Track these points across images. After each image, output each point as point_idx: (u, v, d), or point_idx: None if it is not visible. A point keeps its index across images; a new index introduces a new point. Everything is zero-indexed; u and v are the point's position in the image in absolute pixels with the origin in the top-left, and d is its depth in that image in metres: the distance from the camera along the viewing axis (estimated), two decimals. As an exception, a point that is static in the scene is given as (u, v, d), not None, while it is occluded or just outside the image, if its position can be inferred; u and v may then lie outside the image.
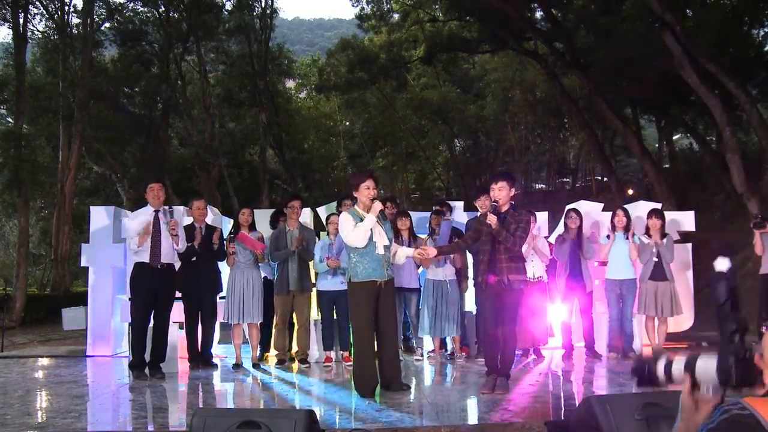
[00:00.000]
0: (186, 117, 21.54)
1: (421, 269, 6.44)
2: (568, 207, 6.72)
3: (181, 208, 6.92)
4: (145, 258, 5.46)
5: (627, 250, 6.33)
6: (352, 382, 4.68)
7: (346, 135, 29.94)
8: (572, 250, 6.37)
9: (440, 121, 26.19)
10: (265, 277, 6.24)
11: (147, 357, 5.56)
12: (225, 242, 6.07)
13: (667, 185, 14.98)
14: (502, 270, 4.52)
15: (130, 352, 5.87)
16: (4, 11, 16.43)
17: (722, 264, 1.33)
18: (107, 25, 20.31)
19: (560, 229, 6.75)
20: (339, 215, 6.31)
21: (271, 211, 6.90)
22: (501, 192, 4.57)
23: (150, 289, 5.50)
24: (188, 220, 6.35)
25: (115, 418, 4.29)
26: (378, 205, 4.54)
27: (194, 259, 5.95)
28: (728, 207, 14.46)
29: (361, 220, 4.54)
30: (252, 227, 6.22)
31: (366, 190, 4.60)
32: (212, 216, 6.70)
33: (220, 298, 6.25)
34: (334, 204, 6.94)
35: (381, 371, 4.64)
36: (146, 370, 5.50)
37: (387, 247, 4.63)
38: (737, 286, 1.31)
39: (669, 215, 6.93)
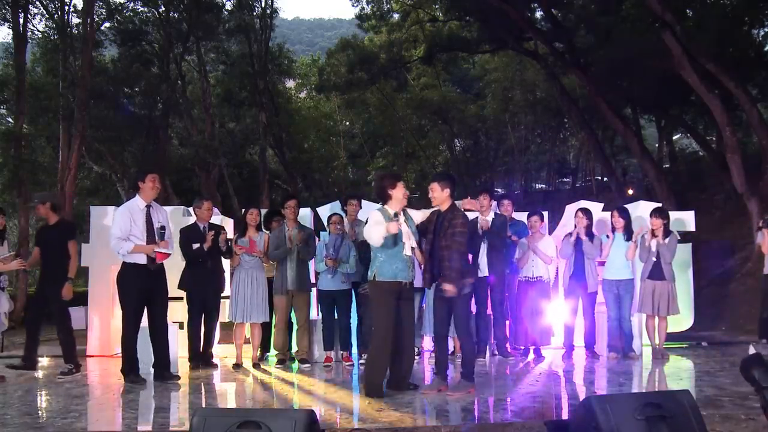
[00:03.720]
0: (186, 117, 21.53)
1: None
2: (576, 207, 6.69)
3: (182, 208, 6.95)
4: (141, 259, 5.24)
5: (624, 251, 6.33)
6: (360, 381, 4.61)
7: (346, 135, 29.92)
8: (577, 250, 6.38)
9: (440, 121, 26.17)
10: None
11: (140, 361, 5.34)
12: (230, 242, 6.08)
13: (667, 185, 14.97)
14: (443, 277, 4.51)
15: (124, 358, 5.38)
16: (4, 11, 16.43)
17: None
18: (107, 25, 20.30)
19: (569, 227, 6.74)
20: (344, 215, 6.34)
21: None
22: (433, 193, 4.61)
23: (143, 289, 5.27)
24: (189, 220, 6.34)
25: (115, 418, 4.29)
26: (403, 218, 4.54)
27: (200, 259, 5.93)
28: (728, 207, 14.45)
29: (390, 219, 4.49)
30: (259, 228, 6.22)
31: (403, 189, 4.60)
32: (213, 217, 6.70)
33: (223, 297, 6.25)
34: (338, 203, 6.94)
35: (395, 369, 4.61)
36: (143, 373, 5.31)
37: (413, 249, 4.60)
38: None
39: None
